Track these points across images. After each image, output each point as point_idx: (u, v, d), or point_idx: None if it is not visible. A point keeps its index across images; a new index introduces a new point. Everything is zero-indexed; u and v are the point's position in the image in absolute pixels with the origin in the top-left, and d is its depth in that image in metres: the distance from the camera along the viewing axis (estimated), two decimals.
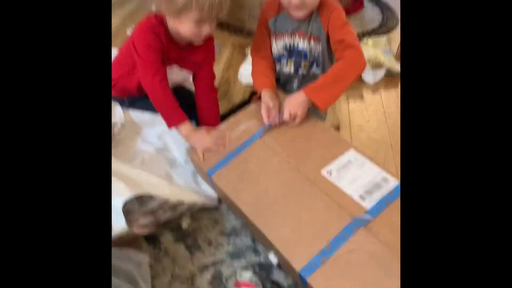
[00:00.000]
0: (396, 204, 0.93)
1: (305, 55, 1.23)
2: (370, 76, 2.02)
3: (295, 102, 1.11)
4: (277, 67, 1.30)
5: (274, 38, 1.24)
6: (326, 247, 0.87)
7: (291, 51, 1.25)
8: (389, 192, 0.96)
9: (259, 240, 1.08)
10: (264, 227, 0.95)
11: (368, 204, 0.93)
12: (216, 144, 1.12)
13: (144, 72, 1.10)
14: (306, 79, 1.29)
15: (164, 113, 1.13)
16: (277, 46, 1.25)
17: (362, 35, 2.29)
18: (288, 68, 1.29)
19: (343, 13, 1.15)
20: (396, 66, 2.06)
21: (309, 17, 1.17)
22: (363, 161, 1.04)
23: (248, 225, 1.05)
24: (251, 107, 1.24)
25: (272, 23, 1.22)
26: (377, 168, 1.01)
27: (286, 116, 1.10)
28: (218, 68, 1.27)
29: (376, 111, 1.82)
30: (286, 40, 1.22)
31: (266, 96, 1.16)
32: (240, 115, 1.22)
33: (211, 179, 1.09)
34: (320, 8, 1.16)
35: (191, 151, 1.16)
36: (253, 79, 1.26)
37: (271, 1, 1.22)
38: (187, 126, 1.13)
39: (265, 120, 1.12)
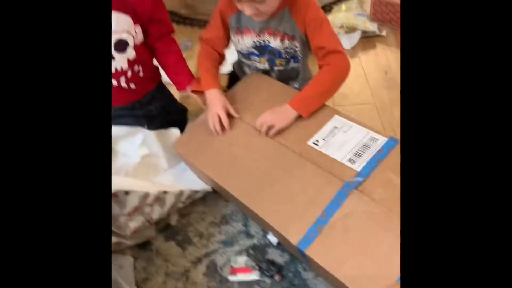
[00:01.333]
0: (387, 161, 0.91)
1: (280, 54, 1.14)
2: (346, 41, 1.98)
3: (281, 116, 1.02)
4: (248, 62, 1.22)
5: (240, 35, 1.14)
6: (321, 215, 0.85)
7: (262, 49, 1.15)
8: (378, 150, 0.93)
9: (256, 222, 1.05)
10: (256, 207, 0.93)
11: (358, 166, 0.91)
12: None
13: None
14: (284, 73, 1.22)
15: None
16: (245, 43, 1.15)
17: (333, 3, 2.24)
18: (262, 64, 1.20)
19: (319, 8, 1.05)
20: (370, 27, 2.03)
21: (278, 14, 1.06)
22: (349, 125, 1.01)
23: (242, 209, 1.02)
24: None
25: (234, 20, 1.12)
26: (364, 130, 0.99)
27: (258, 125, 1.03)
28: (192, 63, 1.20)
29: (357, 76, 1.79)
30: (255, 38, 1.13)
31: (212, 98, 1.09)
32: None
33: (198, 169, 1.06)
34: (292, 4, 1.05)
35: (179, 146, 1.11)
36: (199, 72, 1.17)
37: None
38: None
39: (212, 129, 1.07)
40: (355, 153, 0.94)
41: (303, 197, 0.89)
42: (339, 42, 1.06)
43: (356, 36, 2.00)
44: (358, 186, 0.86)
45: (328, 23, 1.06)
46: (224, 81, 1.71)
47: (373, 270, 0.75)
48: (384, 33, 2.03)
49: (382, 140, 0.95)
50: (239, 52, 1.21)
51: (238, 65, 1.32)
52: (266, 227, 0.96)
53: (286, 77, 1.22)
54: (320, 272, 0.85)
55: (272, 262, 0.93)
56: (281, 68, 1.19)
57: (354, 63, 1.88)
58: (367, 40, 2.02)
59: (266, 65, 1.19)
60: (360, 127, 0.99)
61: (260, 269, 0.92)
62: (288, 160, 0.97)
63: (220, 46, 1.18)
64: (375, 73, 1.78)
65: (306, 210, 0.86)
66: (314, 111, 1.04)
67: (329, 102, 1.61)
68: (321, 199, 0.86)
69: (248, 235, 1.04)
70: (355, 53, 1.96)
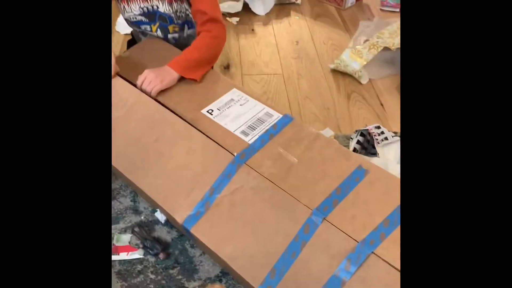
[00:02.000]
0: (279, 137, 0.89)
1: (171, 19, 1.07)
2: (260, 7, 1.92)
3: (162, 73, 0.96)
4: (140, 30, 1.14)
5: (125, 1, 1.05)
6: (208, 191, 0.82)
7: (151, 16, 1.07)
8: (273, 125, 0.91)
9: (143, 198, 0.98)
10: (141, 182, 0.87)
11: (250, 139, 0.89)
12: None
13: None
14: (181, 41, 1.14)
15: None
16: (132, 11, 1.07)
17: None
18: (155, 33, 1.12)
19: None
20: None
21: None
22: (246, 98, 0.98)
23: (129, 184, 0.95)
24: None
25: None
26: (261, 105, 0.97)
27: (139, 82, 0.97)
28: None
29: (268, 44, 1.75)
30: (141, 4, 1.05)
31: None
32: None
33: None
34: None
35: None
36: None
37: None
38: None
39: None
40: (248, 126, 0.91)
41: (190, 171, 0.84)
42: (219, 10, 1.03)
43: (271, 2, 1.95)
44: (248, 159, 0.84)
45: None
46: (124, 46, 1.59)
47: (255, 249, 0.74)
48: (299, 1, 2.01)
49: (276, 116, 0.93)
50: (127, 20, 1.12)
51: (135, 32, 1.21)
52: (153, 204, 0.91)
53: (185, 46, 1.13)
54: (206, 250, 0.83)
55: (158, 240, 0.89)
56: (176, 35, 1.12)
57: (266, 31, 1.84)
58: (282, 7, 1.98)
59: (159, 33, 1.10)
60: (257, 102, 0.97)
61: (144, 247, 0.87)
62: (177, 129, 0.90)
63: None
64: (286, 42, 1.76)
65: (194, 185, 0.82)
66: (196, 76, 0.99)
67: (237, 70, 1.59)
68: (210, 173, 0.83)
69: (136, 211, 0.97)
70: (268, 21, 1.91)
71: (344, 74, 1.52)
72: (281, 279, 0.71)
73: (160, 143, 0.89)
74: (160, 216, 0.91)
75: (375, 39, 1.52)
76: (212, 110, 0.95)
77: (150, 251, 0.87)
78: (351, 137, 1.16)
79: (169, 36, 1.12)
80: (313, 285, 0.70)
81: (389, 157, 1.05)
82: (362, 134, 1.13)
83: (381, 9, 1.98)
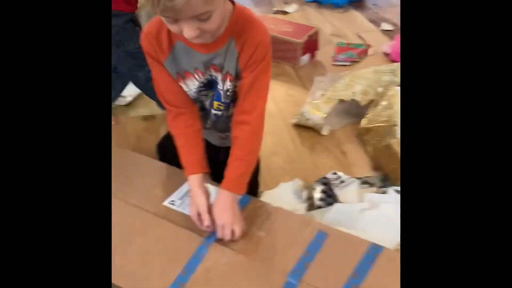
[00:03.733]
0: (243, 214, 0.93)
1: (218, 96, 0.95)
2: None
3: (226, 214, 0.89)
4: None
5: (181, 80, 0.93)
6: (181, 272, 0.83)
7: (211, 84, 0.94)
8: None
9: None
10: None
11: None
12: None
13: None
14: (221, 120, 1.02)
15: None
16: (189, 88, 0.94)
17: None
18: (207, 101, 0.99)
19: (269, 46, 0.87)
20: None
21: (224, 44, 0.85)
22: (206, 185, 1.00)
23: None
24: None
25: (170, 64, 0.89)
26: (219, 189, 1.00)
27: (222, 235, 0.88)
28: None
29: None
30: (201, 78, 0.92)
31: (195, 188, 0.93)
32: None
33: None
34: (238, 31, 0.84)
35: None
36: (176, 144, 0.98)
37: (149, 35, 0.87)
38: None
39: (200, 226, 0.91)
40: None
41: (160, 257, 0.86)
42: (263, 108, 0.93)
43: None
44: (218, 239, 0.88)
45: (268, 74, 0.90)
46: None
47: None
48: None
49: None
50: None
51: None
52: None
53: (224, 127, 1.04)
54: None
55: None
56: (219, 113, 1.00)
57: None
58: None
59: (207, 102, 0.99)
60: (215, 188, 0.99)
61: None
62: (143, 221, 0.93)
63: (183, 99, 0.95)
64: None
65: (165, 269, 0.83)
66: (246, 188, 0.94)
67: None
68: (181, 256, 0.85)
69: None
70: None
71: (306, 127, 1.62)
72: None
73: (128, 234, 0.90)
74: None
75: (330, 92, 1.64)
76: (173, 201, 0.99)
77: None
78: (313, 187, 1.23)
79: (212, 111, 1.01)
80: None
81: (348, 196, 1.14)
82: (324, 183, 1.21)
83: (333, 64, 2.14)
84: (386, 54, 2.15)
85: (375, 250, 0.84)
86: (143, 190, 1.01)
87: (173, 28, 0.76)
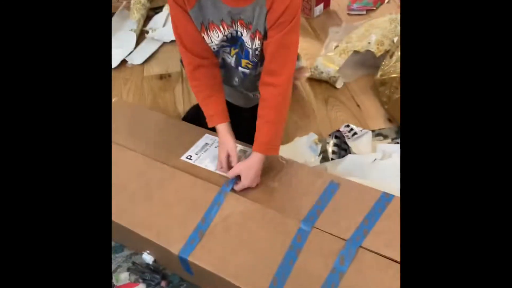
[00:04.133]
0: None
1: (247, 54, 0.95)
2: None
3: (252, 173, 0.91)
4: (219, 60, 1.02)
5: (205, 31, 0.92)
6: (200, 221, 0.88)
7: (234, 40, 0.94)
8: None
9: (128, 245, 1.03)
10: (130, 223, 0.91)
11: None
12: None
13: None
14: (249, 79, 1.05)
15: None
16: (213, 40, 0.94)
17: None
18: (231, 59, 0.99)
19: (299, 6, 0.86)
20: None
21: (252, 1, 0.84)
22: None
23: (116, 232, 0.96)
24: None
25: (195, 13, 0.88)
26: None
27: (237, 188, 0.93)
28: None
29: None
30: (226, 31, 0.92)
31: (226, 134, 0.96)
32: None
33: None
34: None
35: None
36: (197, 98, 1.00)
37: None
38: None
39: (224, 170, 0.96)
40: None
41: (181, 207, 0.91)
42: (292, 71, 0.93)
43: None
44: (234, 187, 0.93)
45: (297, 34, 0.90)
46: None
47: (255, 265, 0.81)
48: None
49: (249, 151, 1.01)
50: None
51: None
52: (142, 245, 0.94)
53: (251, 86, 1.06)
54: (205, 278, 0.87)
55: (155, 270, 0.92)
56: (246, 71, 1.01)
57: None
58: None
59: (233, 60, 0.99)
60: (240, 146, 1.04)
61: (145, 281, 0.90)
62: (163, 175, 0.98)
63: (204, 49, 0.94)
64: None
65: (185, 218, 0.89)
66: (278, 151, 0.97)
67: None
68: (200, 206, 0.90)
69: (122, 251, 1.00)
70: None
71: (320, 81, 1.61)
72: (284, 284, 0.77)
73: (148, 188, 0.95)
74: (148, 258, 0.94)
75: (344, 44, 1.61)
76: (191, 156, 1.03)
77: (152, 283, 0.92)
78: (327, 141, 1.25)
79: (240, 69, 1.02)
80: (314, 284, 0.77)
81: (361, 148, 1.16)
82: (336, 137, 1.23)
83: (348, 14, 2.07)
84: None
85: (385, 198, 0.87)
86: (162, 145, 1.06)
87: None
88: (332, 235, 0.82)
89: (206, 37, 0.93)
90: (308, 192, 0.91)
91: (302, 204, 0.88)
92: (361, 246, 0.79)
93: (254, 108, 0.95)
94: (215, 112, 0.97)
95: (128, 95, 1.61)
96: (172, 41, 1.79)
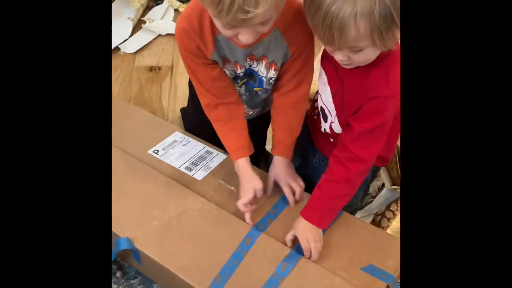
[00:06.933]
0: (216, 169, 1.05)
1: (261, 83, 0.91)
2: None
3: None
4: None
5: (224, 66, 0.89)
6: (157, 213, 0.92)
7: (249, 76, 0.92)
8: (212, 160, 1.07)
9: None
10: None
11: (194, 173, 1.03)
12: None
13: None
14: (257, 98, 1.01)
15: None
16: (230, 73, 0.91)
17: None
18: (239, 88, 0.96)
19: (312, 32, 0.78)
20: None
21: (266, 37, 0.81)
22: (188, 139, 1.14)
23: None
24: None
25: (216, 57, 0.85)
26: (201, 144, 1.13)
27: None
28: None
29: None
30: (239, 70, 0.89)
31: (249, 171, 0.93)
32: None
33: None
34: (284, 23, 0.79)
35: None
36: (216, 130, 0.96)
37: (190, 31, 0.80)
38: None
39: (248, 220, 0.91)
40: (192, 162, 1.06)
41: (138, 199, 0.95)
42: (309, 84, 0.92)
43: None
44: (193, 189, 0.98)
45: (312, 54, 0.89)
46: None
47: (201, 261, 0.85)
48: None
49: (215, 153, 1.09)
50: None
51: None
52: None
53: (258, 105, 1.05)
54: (153, 270, 0.90)
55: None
56: (260, 92, 0.97)
57: None
58: None
59: (242, 89, 0.96)
60: (197, 142, 1.12)
61: None
62: (129, 165, 1.02)
63: (227, 87, 0.91)
64: None
65: (142, 210, 0.93)
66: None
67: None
68: (159, 199, 0.95)
69: None
70: None
71: None
72: (226, 283, 0.82)
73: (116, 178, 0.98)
74: None
75: None
76: (158, 151, 1.09)
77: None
78: None
79: (248, 94, 0.98)
80: (254, 285, 0.81)
81: None
82: None
83: None
84: None
85: None
86: (131, 137, 1.11)
87: (228, 32, 0.69)
88: (279, 242, 0.89)
89: (226, 71, 0.90)
90: (263, 200, 0.97)
91: (256, 210, 0.94)
92: (303, 256, 0.86)
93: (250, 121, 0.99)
94: (239, 145, 0.94)
95: (116, 82, 1.61)
96: (167, 35, 1.79)
